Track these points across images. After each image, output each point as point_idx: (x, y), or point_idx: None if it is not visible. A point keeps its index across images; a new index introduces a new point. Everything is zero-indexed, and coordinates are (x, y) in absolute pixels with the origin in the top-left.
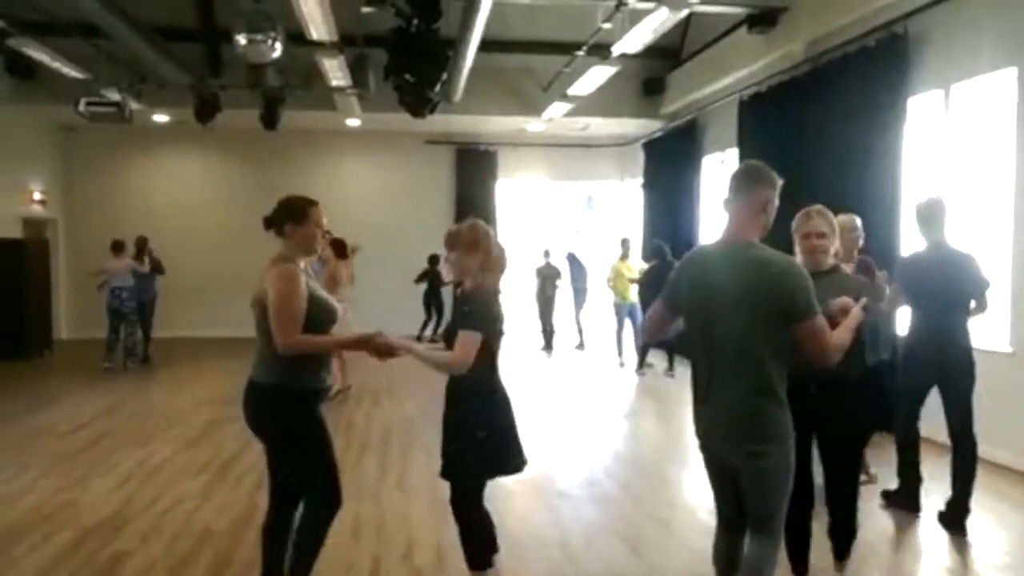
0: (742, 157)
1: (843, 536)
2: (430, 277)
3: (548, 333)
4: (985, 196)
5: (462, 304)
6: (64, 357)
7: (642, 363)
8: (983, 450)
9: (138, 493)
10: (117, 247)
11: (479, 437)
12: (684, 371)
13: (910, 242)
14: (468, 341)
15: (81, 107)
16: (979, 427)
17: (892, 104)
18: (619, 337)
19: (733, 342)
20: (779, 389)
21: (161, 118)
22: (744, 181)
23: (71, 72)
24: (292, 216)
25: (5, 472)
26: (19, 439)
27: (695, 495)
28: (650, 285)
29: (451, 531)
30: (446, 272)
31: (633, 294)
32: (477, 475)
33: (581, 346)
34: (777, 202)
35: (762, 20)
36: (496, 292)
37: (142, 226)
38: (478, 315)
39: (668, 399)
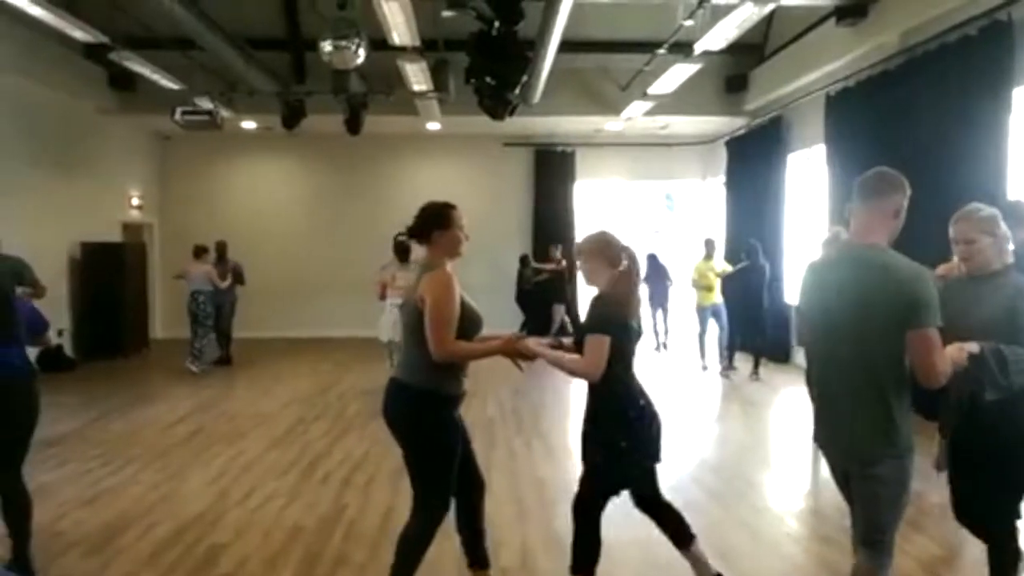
0: (829, 154)
1: (1004, 559)
2: (520, 278)
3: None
4: None
5: (591, 309)
6: (159, 355)
7: (728, 365)
8: None
9: (231, 488)
10: (199, 252)
11: (623, 447)
12: (769, 375)
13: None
14: (596, 345)
15: (177, 116)
16: None
17: (995, 95)
18: (701, 340)
19: (852, 346)
20: (899, 398)
21: (249, 125)
22: (877, 186)
23: (167, 83)
24: (437, 222)
25: (112, 464)
26: (124, 434)
27: (783, 501)
28: (736, 285)
29: (535, 532)
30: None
31: (717, 295)
32: (613, 484)
33: (661, 348)
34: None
35: (852, 12)
36: (629, 297)
37: (230, 229)
38: (605, 319)
39: (753, 403)
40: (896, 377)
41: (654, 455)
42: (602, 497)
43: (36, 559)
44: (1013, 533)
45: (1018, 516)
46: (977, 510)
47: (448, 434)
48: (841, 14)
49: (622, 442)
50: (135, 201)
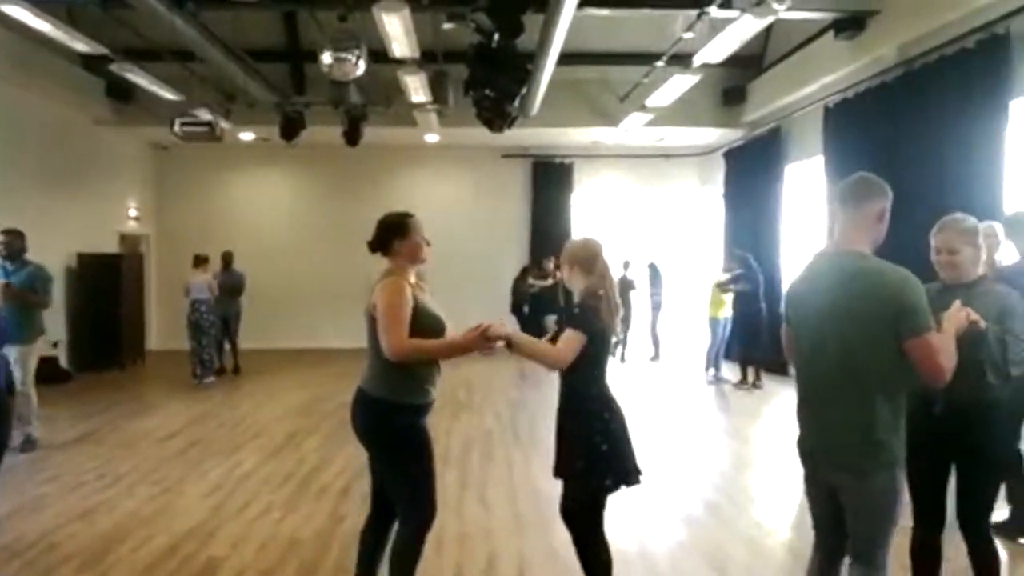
0: (828, 166)
1: (985, 559)
2: (515, 288)
3: (622, 344)
4: None
5: (574, 306)
6: (155, 367)
7: (715, 373)
8: None
9: (227, 501)
10: (198, 261)
11: (604, 451)
12: (769, 385)
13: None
14: (572, 340)
15: (176, 127)
16: None
17: (992, 108)
18: (711, 351)
19: (840, 355)
20: (889, 408)
21: (247, 136)
22: (858, 191)
23: (166, 94)
24: (396, 232)
25: (107, 477)
26: (120, 446)
27: (781, 514)
28: (732, 296)
29: (532, 544)
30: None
31: (728, 307)
32: (597, 489)
33: (656, 357)
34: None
35: (850, 25)
36: (608, 300)
37: (228, 240)
38: (585, 317)
39: (748, 414)
40: (886, 386)
41: (633, 470)
42: (594, 501)
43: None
44: (989, 535)
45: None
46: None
47: (416, 440)
48: (839, 27)
49: (603, 445)
50: (132, 212)
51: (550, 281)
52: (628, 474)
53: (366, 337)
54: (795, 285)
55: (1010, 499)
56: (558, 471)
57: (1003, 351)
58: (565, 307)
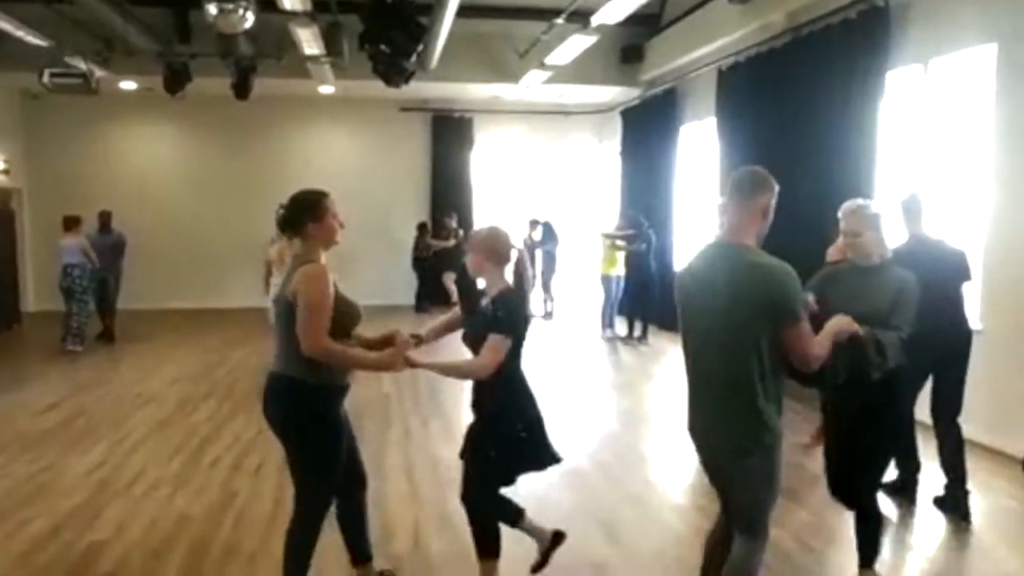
0: (720, 127)
1: (870, 525)
2: (416, 246)
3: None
4: (960, 172)
5: (494, 308)
6: (32, 331)
7: (610, 331)
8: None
9: (113, 478)
10: (69, 223)
11: (523, 438)
12: (659, 342)
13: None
14: (498, 346)
15: (45, 79)
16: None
17: (871, 77)
18: (605, 309)
19: (723, 342)
20: (768, 390)
21: (129, 85)
22: (745, 186)
23: (34, 40)
24: (312, 213)
25: None
26: None
27: (670, 473)
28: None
29: (427, 514)
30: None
31: (621, 266)
32: (513, 472)
33: (550, 315)
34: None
35: None
36: (527, 294)
37: (109, 196)
38: (510, 319)
39: (643, 372)
40: (765, 370)
41: (553, 454)
42: (498, 488)
43: None
44: (876, 501)
45: (880, 487)
46: (849, 482)
47: (331, 429)
48: None
49: (522, 432)
50: (0, 165)
51: (452, 242)
52: (544, 459)
53: (275, 318)
54: (685, 274)
55: (898, 463)
56: (464, 454)
57: (880, 348)
58: (481, 308)
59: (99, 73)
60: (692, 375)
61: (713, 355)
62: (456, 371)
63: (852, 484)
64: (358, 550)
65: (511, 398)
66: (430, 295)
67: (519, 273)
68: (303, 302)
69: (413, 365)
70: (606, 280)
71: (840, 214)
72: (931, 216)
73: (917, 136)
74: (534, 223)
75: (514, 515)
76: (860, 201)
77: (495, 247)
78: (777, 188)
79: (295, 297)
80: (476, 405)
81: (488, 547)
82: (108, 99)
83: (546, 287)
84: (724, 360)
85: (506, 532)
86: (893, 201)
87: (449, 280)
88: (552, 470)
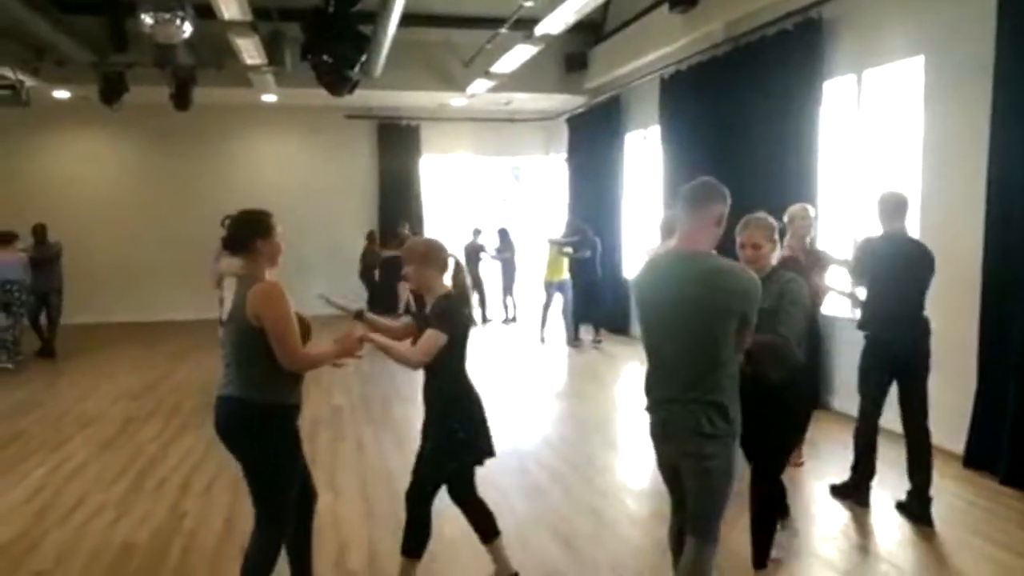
0: (664, 135)
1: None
2: (364, 255)
3: (481, 306)
4: (893, 179)
5: (436, 306)
6: None
7: (575, 336)
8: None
9: (52, 504)
10: (3, 239)
11: (460, 438)
12: (611, 346)
13: (826, 221)
14: (433, 340)
15: None
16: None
17: (808, 87)
18: (545, 313)
19: (689, 345)
20: (727, 392)
21: (62, 94)
22: (699, 196)
23: None
24: (259, 231)
25: None
26: None
27: (625, 481)
28: (572, 261)
29: (383, 530)
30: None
31: (565, 271)
32: (447, 471)
33: (511, 320)
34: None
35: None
36: (461, 297)
37: (46, 209)
38: (449, 318)
39: (596, 378)
40: (729, 372)
41: (488, 450)
42: (435, 485)
43: None
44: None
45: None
46: (760, 456)
47: (290, 448)
48: (674, 1)
49: (460, 433)
50: None
51: (396, 253)
52: (480, 454)
53: (228, 342)
54: (642, 281)
55: (855, 465)
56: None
57: (774, 353)
58: (419, 309)
59: (30, 83)
60: (654, 377)
61: (677, 357)
62: (396, 353)
63: (761, 457)
64: (300, 571)
65: (455, 399)
66: (380, 304)
67: (458, 280)
68: (271, 325)
69: (365, 339)
70: (548, 286)
71: (740, 227)
72: (909, 214)
73: (854, 142)
74: (477, 231)
75: (425, 537)
76: (760, 213)
77: (430, 256)
78: (729, 198)
79: (258, 320)
80: (424, 403)
81: (412, 545)
82: (41, 109)
83: (507, 292)
84: (689, 361)
85: (436, 547)
86: (836, 203)
87: (404, 289)
88: (507, 479)
